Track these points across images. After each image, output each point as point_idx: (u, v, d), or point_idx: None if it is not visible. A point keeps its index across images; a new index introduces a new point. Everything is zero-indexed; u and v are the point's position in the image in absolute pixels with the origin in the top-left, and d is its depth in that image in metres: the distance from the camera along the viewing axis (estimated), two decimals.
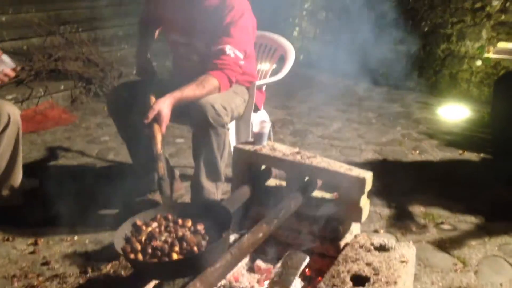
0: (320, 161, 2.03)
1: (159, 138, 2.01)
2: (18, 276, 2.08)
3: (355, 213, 1.95)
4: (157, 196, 2.75)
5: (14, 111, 2.34)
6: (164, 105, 2.04)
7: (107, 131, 3.94)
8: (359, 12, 5.86)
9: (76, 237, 2.37)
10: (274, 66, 2.96)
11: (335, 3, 6.32)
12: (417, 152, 3.58)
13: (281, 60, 2.90)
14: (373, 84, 5.48)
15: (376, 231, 2.49)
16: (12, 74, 2.19)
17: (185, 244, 1.48)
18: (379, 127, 4.15)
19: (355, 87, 5.55)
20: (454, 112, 4.53)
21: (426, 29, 5.18)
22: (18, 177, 2.46)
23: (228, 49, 2.21)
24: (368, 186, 1.93)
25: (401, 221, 2.59)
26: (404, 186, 2.98)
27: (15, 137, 2.36)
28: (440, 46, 5.08)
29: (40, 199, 2.68)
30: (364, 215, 1.96)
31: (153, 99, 2.23)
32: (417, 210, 2.71)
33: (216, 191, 2.39)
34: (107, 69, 4.85)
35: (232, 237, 1.90)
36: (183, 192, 2.79)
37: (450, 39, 4.99)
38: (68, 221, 2.47)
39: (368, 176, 1.92)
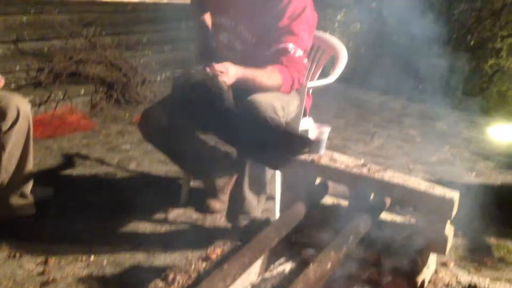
0: (393, 176, 1.66)
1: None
2: None
3: (439, 243, 1.57)
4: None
5: (23, 104, 2.02)
6: (232, 67, 1.76)
7: (129, 139, 3.62)
8: (397, 24, 5.54)
9: (92, 257, 2.01)
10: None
11: (370, 14, 6.01)
12: (474, 174, 3.19)
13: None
14: (412, 101, 5.12)
15: (444, 264, 2.09)
16: None
17: None
18: (425, 146, 3.77)
19: (392, 102, 5.20)
20: (506, 133, 4.14)
21: (472, 43, 4.82)
22: (29, 183, 2.13)
23: (291, 48, 1.90)
24: (455, 209, 1.56)
25: (472, 253, 2.21)
26: (468, 212, 2.58)
27: (26, 134, 2.04)
28: (488, 61, 4.70)
29: (54, 211, 2.37)
30: (449, 245, 1.59)
31: None
32: (489, 241, 2.33)
33: (258, 204, 2.05)
34: (130, 74, 4.56)
35: (287, 267, 1.54)
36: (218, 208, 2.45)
37: (500, 54, 4.62)
38: (84, 237, 2.15)
39: (456, 197, 1.55)
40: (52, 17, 5.08)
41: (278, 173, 2.31)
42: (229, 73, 1.71)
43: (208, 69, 1.68)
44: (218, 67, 1.70)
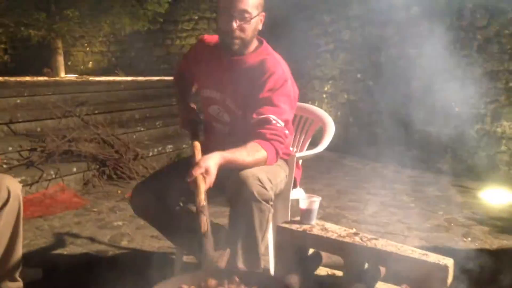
0: (386, 244, 1.66)
1: (202, 189, 1.69)
2: None
3: None
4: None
5: (14, 185, 2.01)
6: (211, 163, 1.75)
7: (121, 215, 3.60)
8: (382, 94, 5.71)
9: None
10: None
11: (356, 85, 6.20)
12: (469, 239, 3.17)
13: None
14: (402, 167, 5.17)
15: None
16: None
17: None
18: (419, 212, 3.76)
19: (384, 169, 5.25)
20: (498, 197, 4.15)
21: (457, 109, 4.95)
22: (17, 265, 2.08)
23: (272, 119, 1.94)
24: (451, 276, 1.55)
25: None
26: (465, 279, 2.53)
27: (16, 215, 2.02)
28: (473, 126, 4.81)
29: None
30: None
31: (197, 145, 1.99)
32: None
33: None
34: (122, 150, 4.60)
35: None
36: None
37: (484, 119, 4.73)
38: None
39: (450, 263, 1.54)
40: (45, 98, 5.20)
41: (271, 245, 2.28)
42: (210, 171, 1.73)
43: (188, 179, 1.70)
44: (196, 171, 1.71)
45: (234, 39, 2.00)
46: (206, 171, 1.72)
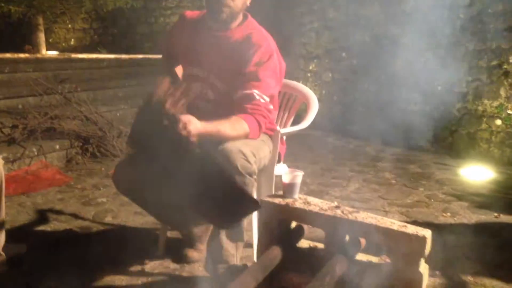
0: (366, 217, 1.69)
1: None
2: None
3: (414, 281, 1.58)
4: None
5: None
6: (194, 124, 1.71)
7: (105, 192, 3.60)
8: (366, 72, 5.75)
9: None
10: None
11: (341, 64, 6.22)
12: (448, 214, 3.24)
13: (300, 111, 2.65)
14: (385, 145, 5.24)
15: None
16: None
17: None
18: (400, 188, 3.83)
19: (367, 148, 5.31)
20: (477, 173, 4.23)
21: (439, 88, 5.00)
22: (0, 240, 2.08)
23: (256, 94, 1.95)
24: (429, 246, 1.59)
25: None
26: (444, 252, 2.61)
27: None
28: (455, 105, 4.87)
29: (27, 267, 2.30)
30: (424, 283, 1.60)
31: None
32: (466, 279, 2.34)
33: (236, 252, 2.05)
34: (106, 128, 4.57)
35: None
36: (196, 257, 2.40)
37: (466, 97, 4.79)
38: None
39: (428, 234, 1.58)
40: (27, 75, 5.11)
41: (255, 220, 2.31)
42: (191, 122, 1.71)
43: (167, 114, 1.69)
44: (182, 117, 1.70)
45: (223, 7, 1.98)
46: (189, 121, 1.69)
